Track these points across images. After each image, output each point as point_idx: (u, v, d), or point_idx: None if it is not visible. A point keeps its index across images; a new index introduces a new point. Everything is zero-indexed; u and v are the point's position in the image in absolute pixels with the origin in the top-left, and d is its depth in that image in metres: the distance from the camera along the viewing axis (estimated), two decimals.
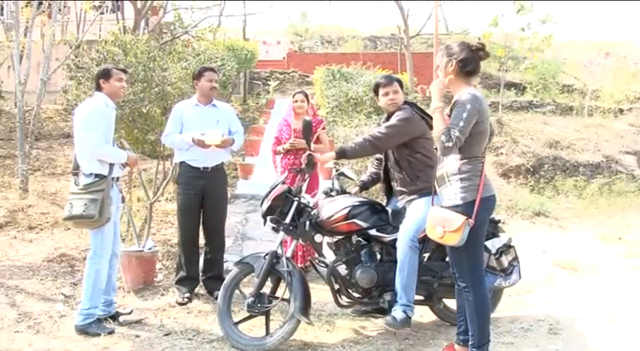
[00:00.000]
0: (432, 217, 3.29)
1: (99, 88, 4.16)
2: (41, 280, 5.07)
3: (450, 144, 3.07)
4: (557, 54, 17.03)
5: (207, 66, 5.05)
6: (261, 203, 3.96)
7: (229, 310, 3.80)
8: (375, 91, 4.20)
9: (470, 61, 3.27)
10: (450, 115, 3.20)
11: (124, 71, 4.33)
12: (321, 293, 4.30)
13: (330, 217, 3.82)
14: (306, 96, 5.73)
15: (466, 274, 3.28)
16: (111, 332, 3.93)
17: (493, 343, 3.60)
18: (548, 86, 14.97)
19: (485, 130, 3.25)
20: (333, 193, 4.13)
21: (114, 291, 4.28)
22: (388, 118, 4.06)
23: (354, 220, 3.81)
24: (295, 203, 3.85)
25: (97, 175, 3.99)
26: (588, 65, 15.35)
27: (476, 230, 3.17)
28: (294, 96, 5.71)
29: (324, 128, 5.71)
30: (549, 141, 11.14)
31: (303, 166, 4.02)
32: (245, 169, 9.35)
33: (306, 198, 3.94)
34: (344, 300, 3.88)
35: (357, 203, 3.87)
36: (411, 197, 3.90)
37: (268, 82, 16.12)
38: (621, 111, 13.70)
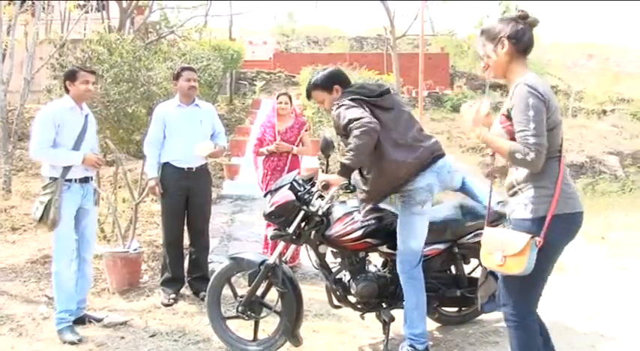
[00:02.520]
0: (488, 241, 2.67)
1: (67, 90, 4.08)
2: (24, 281, 5.01)
3: (532, 154, 2.45)
4: (542, 55, 17.18)
5: (185, 66, 5.03)
6: (265, 195, 3.84)
7: (219, 304, 3.75)
8: None
9: (523, 33, 2.64)
10: (507, 116, 2.62)
11: (93, 73, 4.19)
12: (307, 293, 4.29)
13: (342, 236, 3.58)
14: (290, 98, 5.73)
15: (514, 305, 2.67)
16: (79, 340, 3.80)
17: (479, 343, 3.63)
18: None
19: (559, 122, 2.63)
20: (349, 192, 3.73)
21: (81, 294, 4.13)
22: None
23: (367, 239, 3.58)
24: (302, 212, 3.54)
25: (50, 178, 3.97)
26: (572, 67, 15.52)
27: (544, 255, 2.52)
28: (277, 97, 5.71)
29: (307, 130, 5.72)
30: None
31: (320, 189, 3.51)
32: (231, 169, 9.33)
33: (315, 206, 3.55)
34: (339, 302, 3.77)
35: (373, 221, 3.58)
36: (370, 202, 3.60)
37: (254, 83, 16.10)
38: (604, 112, 13.87)
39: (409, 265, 3.42)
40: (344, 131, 3.31)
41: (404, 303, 3.49)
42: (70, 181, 3.97)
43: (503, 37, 2.63)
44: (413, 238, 3.43)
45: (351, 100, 3.40)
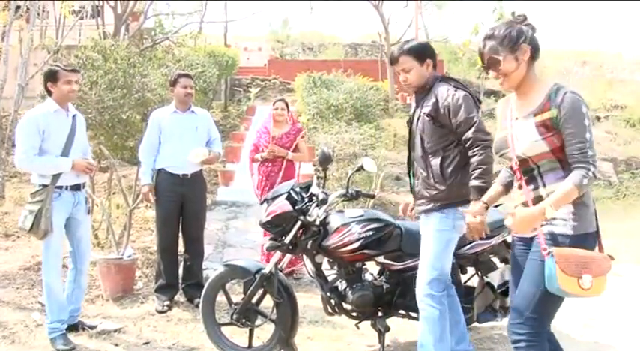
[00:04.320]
0: (568, 264, 2.28)
1: (49, 93, 3.85)
2: (17, 288, 4.98)
3: (593, 169, 2.33)
4: (536, 62, 17.28)
5: (181, 72, 5.03)
6: (261, 203, 3.79)
7: (213, 311, 3.74)
8: None
9: (535, 37, 2.48)
10: (549, 126, 2.38)
11: (75, 71, 3.93)
12: (302, 300, 4.28)
13: (339, 248, 3.53)
14: (287, 104, 5.74)
15: (528, 322, 2.46)
16: (72, 348, 3.75)
17: (474, 349, 3.61)
18: None
19: None
20: (348, 195, 3.62)
21: (76, 303, 4.08)
22: None
23: (364, 251, 3.52)
24: (299, 223, 3.52)
25: (40, 185, 3.78)
26: (566, 73, 15.62)
27: None
28: (274, 104, 5.70)
29: (302, 137, 5.72)
30: None
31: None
32: (226, 176, 9.32)
33: (312, 216, 3.51)
34: (334, 311, 3.74)
35: (371, 233, 3.50)
36: (429, 206, 3.21)
37: (249, 89, 16.11)
38: (598, 119, 13.95)
39: (429, 287, 3.17)
40: (454, 121, 3.06)
41: (421, 332, 3.27)
42: (60, 188, 3.81)
43: (523, 43, 2.42)
44: (439, 242, 3.20)
45: (469, 94, 3.16)
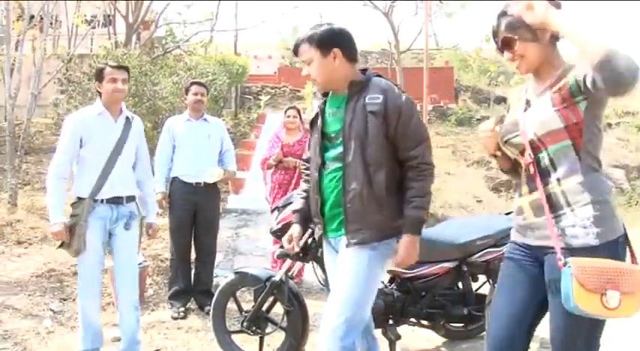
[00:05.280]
0: (589, 278, 1.89)
1: (100, 94, 3.50)
2: (29, 295, 5.01)
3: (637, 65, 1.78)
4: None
5: (194, 80, 5.11)
6: (272, 211, 3.77)
7: (224, 318, 3.74)
8: None
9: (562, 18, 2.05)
10: (566, 97, 2.00)
11: (122, 68, 3.52)
12: (313, 308, 4.27)
13: None
14: (299, 112, 5.74)
15: None
16: None
17: None
18: None
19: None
20: None
21: (125, 334, 3.55)
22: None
23: None
24: (309, 231, 3.35)
25: (77, 197, 3.41)
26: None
27: None
28: (286, 111, 5.71)
29: None
30: None
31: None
32: (236, 183, 9.33)
33: None
34: None
35: None
36: (363, 236, 2.47)
37: (259, 97, 16.15)
38: (609, 125, 13.84)
39: (338, 333, 2.41)
40: (401, 130, 2.43)
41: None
42: (96, 201, 3.38)
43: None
44: (362, 280, 2.48)
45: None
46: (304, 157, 2.88)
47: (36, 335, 4.17)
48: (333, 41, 2.49)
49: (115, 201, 3.43)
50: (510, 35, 2.08)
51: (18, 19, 10.13)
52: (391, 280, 3.81)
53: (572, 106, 2.00)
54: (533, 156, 2.09)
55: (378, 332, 3.70)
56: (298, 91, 16.58)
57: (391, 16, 16.00)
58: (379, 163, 2.42)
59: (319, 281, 3.79)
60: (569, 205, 2.01)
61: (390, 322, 3.68)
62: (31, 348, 3.96)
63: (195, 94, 4.78)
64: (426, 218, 2.47)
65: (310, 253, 3.56)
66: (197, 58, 12.67)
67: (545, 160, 2.07)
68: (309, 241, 3.51)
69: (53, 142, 10.69)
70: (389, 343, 3.64)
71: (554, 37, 2.08)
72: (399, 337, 3.62)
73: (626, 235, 2.06)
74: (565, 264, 1.93)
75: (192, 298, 4.82)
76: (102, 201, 3.40)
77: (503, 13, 2.11)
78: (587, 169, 2.01)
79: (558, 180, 2.04)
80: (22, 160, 8.19)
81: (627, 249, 2.05)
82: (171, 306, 4.72)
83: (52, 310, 4.65)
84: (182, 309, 4.64)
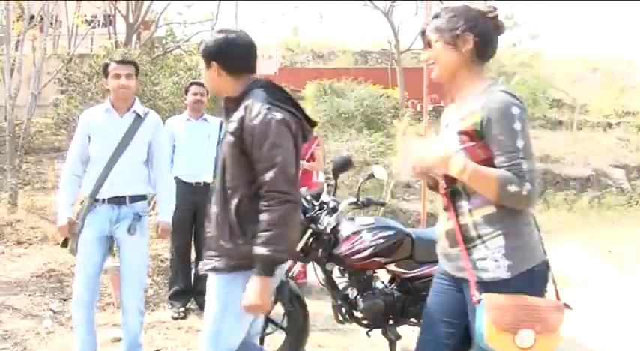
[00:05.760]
0: (501, 314, 1.82)
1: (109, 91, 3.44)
2: (29, 295, 5.01)
3: (528, 185, 1.81)
4: (547, 69, 17.23)
5: (193, 80, 5.13)
6: None
7: None
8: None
9: (491, 36, 2.01)
10: (472, 136, 1.93)
11: (127, 63, 3.43)
12: (313, 307, 4.27)
13: (350, 255, 3.48)
14: None
15: None
16: None
17: None
18: (538, 101, 15.12)
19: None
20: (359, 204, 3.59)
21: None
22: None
23: (375, 258, 3.48)
24: (310, 231, 3.50)
25: (83, 195, 3.32)
26: (577, 80, 15.56)
27: None
28: None
29: (318, 145, 5.67)
30: (539, 155, 11.22)
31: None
32: None
33: (323, 224, 3.49)
34: (345, 319, 3.75)
35: (382, 240, 3.46)
36: (217, 263, 2.27)
37: None
38: (610, 125, 13.85)
39: None
40: (256, 152, 2.16)
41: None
42: (97, 201, 3.26)
43: (467, 32, 1.96)
44: (218, 314, 2.31)
45: (281, 110, 2.22)
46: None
47: (36, 335, 4.17)
48: (210, 53, 2.31)
49: (117, 201, 3.28)
50: (432, 36, 2.03)
51: (18, 19, 10.14)
52: (391, 280, 3.80)
53: (481, 143, 1.92)
54: (446, 186, 2.02)
55: (378, 332, 3.73)
56: (299, 91, 16.58)
57: (391, 16, 16.00)
58: (235, 187, 2.21)
59: (320, 282, 3.80)
60: (480, 236, 1.93)
61: (390, 322, 3.67)
62: (31, 348, 3.96)
63: (195, 94, 4.78)
64: (279, 256, 2.12)
65: (310, 253, 3.57)
66: (197, 58, 12.64)
67: (459, 190, 1.99)
68: (309, 241, 3.54)
69: (53, 142, 10.72)
70: (389, 343, 3.64)
71: (480, 55, 2.00)
72: (399, 337, 3.61)
73: (546, 264, 1.98)
74: (479, 300, 1.86)
75: (193, 298, 4.82)
76: (103, 201, 3.27)
77: (436, 15, 2.06)
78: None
79: (470, 211, 1.96)
80: (22, 160, 8.19)
81: (546, 280, 1.97)
82: (172, 306, 4.72)
83: (52, 310, 4.65)
84: (182, 309, 4.64)
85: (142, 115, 3.41)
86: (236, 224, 2.20)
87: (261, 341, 3.64)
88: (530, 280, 1.89)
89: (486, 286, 1.89)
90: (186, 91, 4.87)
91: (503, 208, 1.88)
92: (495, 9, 2.00)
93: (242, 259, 2.17)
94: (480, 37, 1.97)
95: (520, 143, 1.83)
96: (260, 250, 2.09)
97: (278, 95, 2.30)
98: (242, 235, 2.19)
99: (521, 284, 1.87)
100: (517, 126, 1.84)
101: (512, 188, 1.79)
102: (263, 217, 2.11)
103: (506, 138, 1.83)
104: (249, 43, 2.34)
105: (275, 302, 3.60)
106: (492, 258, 1.89)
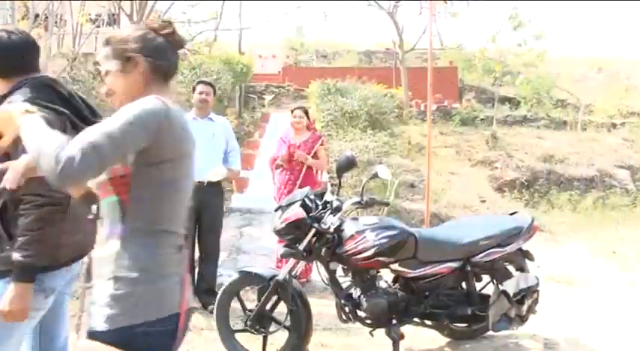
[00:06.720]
0: None
1: None
2: None
3: (59, 167, 1.42)
4: (551, 69, 17.18)
5: (200, 80, 5.17)
6: (275, 210, 3.79)
7: (227, 317, 3.76)
8: None
9: (165, 53, 1.83)
10: None
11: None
12: (316, 307, 4.28)
13: (353, 255, 3.51)
14: (306, 112, 5.72)
15: None
16: None
17: None
18: (542, 101, 15.06)
19: (181, 181, 1.71)
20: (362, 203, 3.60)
21: None
22: None
23: (379, 258, 3.50)
24: (313, 230, 3.53)
25: None
26: (581, 80, 15.51)
27: None
28: (292, 111, 5.70)
29: (322, 144, 5.68)
30: (544, 155, 11.20)
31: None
32: (240, 182, 9.32)
33: (326, 223, 3.52)
34: (348, 318, 3.74)
35: (386, 240, 3.50)
36: None
37: (263, 96, 16.15)
38: (614, 125, 13.79)
39: None
40: (13, 155, 1.94)
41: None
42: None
43: (137, 53, 1.76)
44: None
45: (42, 108, 1.94)
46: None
47: None
48: None
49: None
50: (104, 66, 1.80)
51: (23, 18, 10.17)
52: (395, 280, 3.81)
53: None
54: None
55: (381, 332, 3.74)
56: (302, 90, 16.56)
57: (395, 15, 15.97)
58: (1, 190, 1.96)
59: (323, 281, 3.80)
60: (98, 276, 1.65)
61: (394, 321, 3.68)
62: None
63: (201, 93, 4.80)
64: (34, 261, 2.01)
65: (314, 252, 3.58)
66: (201, 57, 12.70)
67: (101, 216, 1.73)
68: (313, 240, 3.54)
69: None
70: (392, 342, 3.64)
71: (158, 73, 1.79)
72: (402, 336, 3.62)
73: (176, 323, 1.64)
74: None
75: (196, 297, 4.82)
76: None
77: (106, 41, 1.82)
78: (131, 236, 1.63)
79: (106, 238, 1.68)
80: None
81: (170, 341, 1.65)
82: None
83: None
84: None
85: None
86: (1, 230, 2.13)
87: (265, 340, 3.66)
88: (129, 340, 1.57)
89: (90, 334, 1.62)
90: (194, 89, 4.90)
91: (129, 244, 1.62)
92: (170, 24, 1.87)
93: (8, 265, 2.05)
94: (153, 55, 1.77)
95: (112, 127, 1.53)
96: (15, 255, 2.01)
97: (47, 94, 2.16)
98: (8, 241, 2.10)
99: (117, 341, 1.56)
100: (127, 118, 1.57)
101: (52, 162, 1.44)
102: (20, 221, 2.03)
103: (94, 129, 1.53)
104: (18, 44, 2.20)
105: (278, 301, 3.61)
106: (99, 304, 1.61)
